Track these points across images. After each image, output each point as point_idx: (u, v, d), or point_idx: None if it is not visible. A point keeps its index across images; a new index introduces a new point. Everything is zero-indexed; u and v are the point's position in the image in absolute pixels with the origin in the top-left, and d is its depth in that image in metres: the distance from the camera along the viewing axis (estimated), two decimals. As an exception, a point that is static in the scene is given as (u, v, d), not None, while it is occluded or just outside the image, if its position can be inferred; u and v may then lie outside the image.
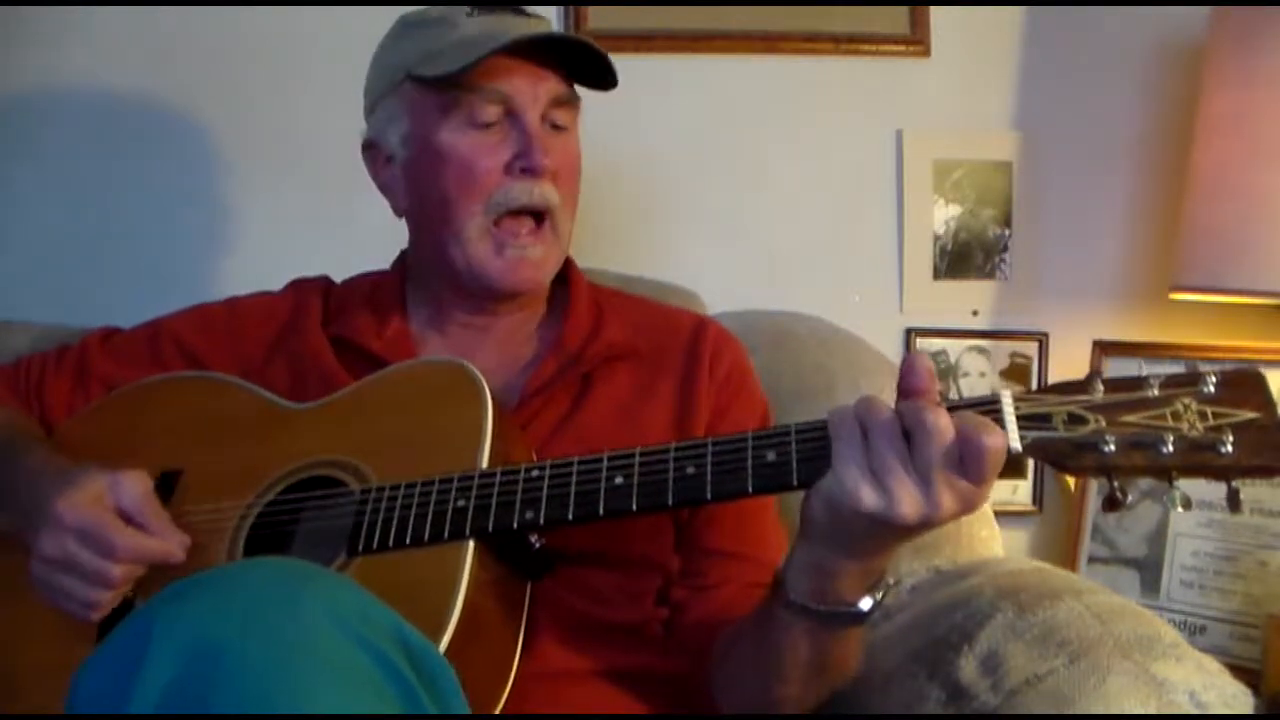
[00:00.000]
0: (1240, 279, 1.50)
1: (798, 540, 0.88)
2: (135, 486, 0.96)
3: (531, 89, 1.09)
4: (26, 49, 1.62)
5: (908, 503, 0.78)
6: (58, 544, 0.93)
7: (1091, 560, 1.66)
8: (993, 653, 1.02)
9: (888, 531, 0.81)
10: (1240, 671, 1.09)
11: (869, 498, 0.79)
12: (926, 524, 0.79)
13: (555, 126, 1.12)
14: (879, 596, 0.88)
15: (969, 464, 0.78)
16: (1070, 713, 0.92)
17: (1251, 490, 1.57)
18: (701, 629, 1.06)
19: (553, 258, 1.13)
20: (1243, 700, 0.94)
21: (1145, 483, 1.62)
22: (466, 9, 1.11)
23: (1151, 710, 0.90)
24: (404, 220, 1.19)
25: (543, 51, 1.09)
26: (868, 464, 0.79)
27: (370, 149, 1.18)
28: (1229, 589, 1.56)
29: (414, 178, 1.13)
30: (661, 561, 1.09)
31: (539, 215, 1.10)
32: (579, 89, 1.15)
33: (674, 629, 1.09)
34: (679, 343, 1.18)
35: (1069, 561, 1.66)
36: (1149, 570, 1.62)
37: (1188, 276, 1.58)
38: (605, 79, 1.12)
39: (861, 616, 0.89)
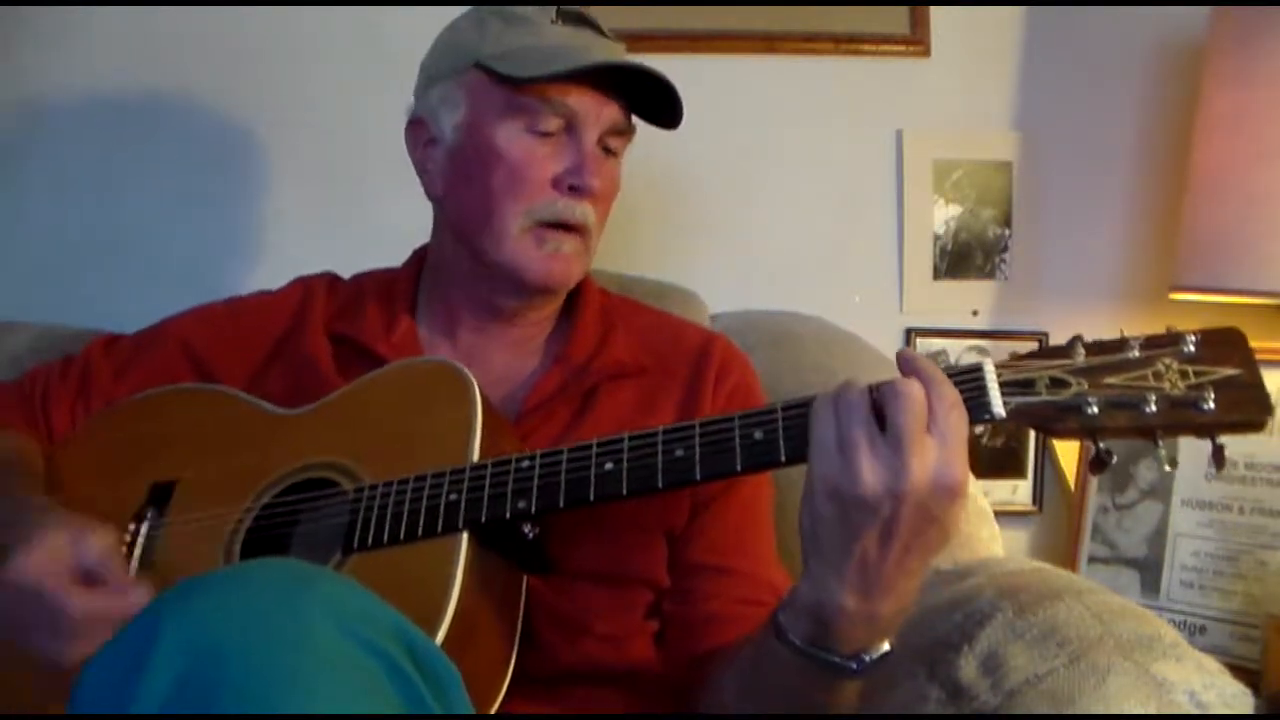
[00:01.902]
0: (1240, 279, 1.50)
1: (801, 576, 0.86)
2: (98, 543, 0.92)
3: (596, 111, 1.10)
4: (26, 49, 1.62)
5: (867, 470, 0.77)
6: (16, 611, 0.90)
7: (1091, 560, 1.66)
8: (993, 653, 1.02)
9: (861, 517, 0.79)
10: (1240, 671, 1.09)
11: (831, 467, 0.79)
12: (895, 495, 0.77)
13: (607, 150, 1.13)
14: (880, 652, 0.85)
15: (933, 424, 0.78)
16: (1070, 713, 0.92)
17: (1251, 490, 1.57)
18: (689, 643, 1.06)
19: (581, 264, 1.14)
20: (1243, 700, 0.94)
21: (1145, 481, 1.62)
22: (551, 14, 1.11)
23: (1151, 710, 0.90)
24: (432, 206, 1.19)
25: (613, 78, 1.10)
26: (835, 440, 0.79)
27: (416, 126, 1.17)
28: (1229, 589, 1.56)
29: (459, 167, 1.13)
30: (654, 577, 1.08)
31: (574, 229, 1.11)
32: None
33: (663, 641, 1.09)
34: (685, 358, 1.17)
35: (1069, 561, 1.66)
36: (1149, 570, 1.62)
37: (1188, 276, 1.58)
38: (668, 118, 1.13)
39: (849, 671, 0.85)
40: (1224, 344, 0.81)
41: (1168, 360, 0.81)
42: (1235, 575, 1.56)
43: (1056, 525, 1.74)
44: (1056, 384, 0.82)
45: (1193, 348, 0.81)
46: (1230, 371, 0.79)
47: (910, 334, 1.75)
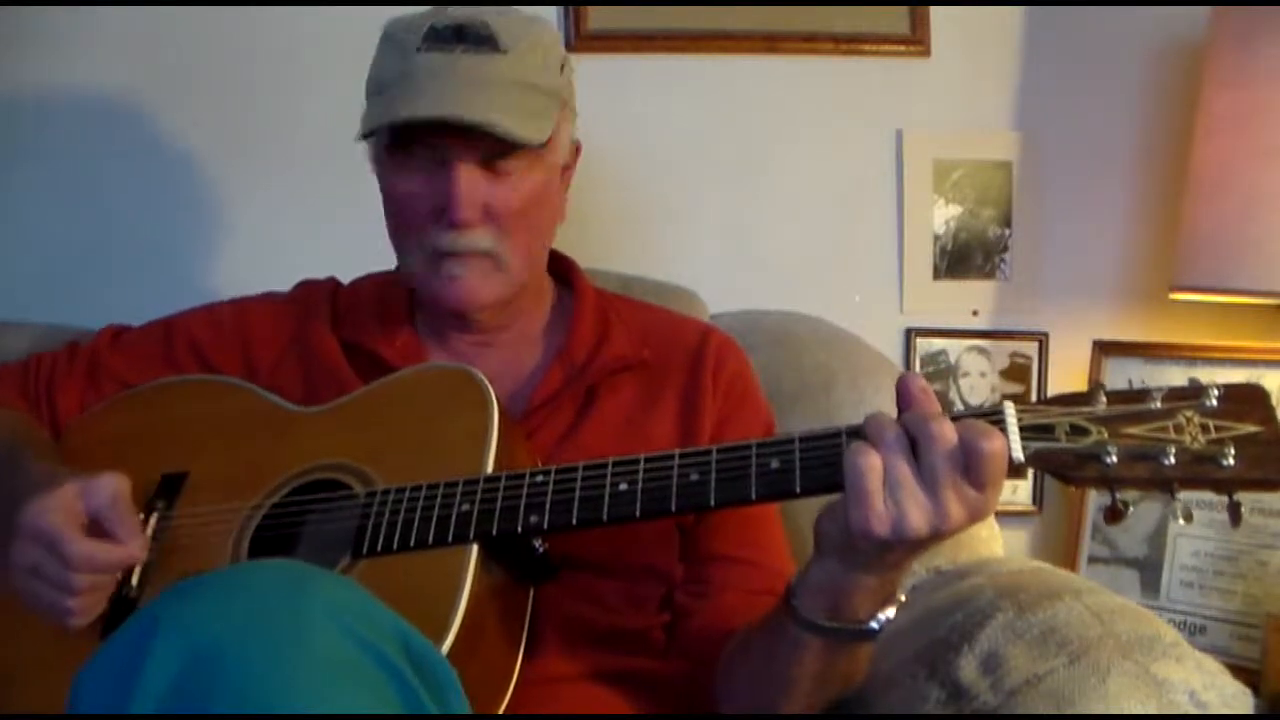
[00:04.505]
0: (1240, 279, 1.50)
1: (812, 558, 0.89)
2: (106, 490, 0.94)
3: (463, 141, 1.04)
4: (26, 49, 1.62)
5: (917, 516, 0.79)
6: (22, 553, 0.92)
7: (1091, 560, 1.66)
8: (993, 653, 1.02)
9: (900, 546, 0.81)
10: (1240, 671, 1.10)
11: (881, 525, 0.79)
12: (937, 535, 0.80)
13: (498, 173, 1.06)
14: (890, 614, 0.89)
15: (972, 470, 0.78)
16: (1070, 713, 0.92)
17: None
18: (703, 635, 1.06)
19: (491, 285, 1.09)
20: (1243, 700, 0.94)
21: (1145, 482, 1.62)
22: (419, 38, 1.06)
23: (1151, 710, 0.90)
24: None
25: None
26: (881, 486, 0.80)
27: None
28: (1229, 589, 1.56)
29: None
30: (666, 569, 1.09)
31: (467, 255, 1.08)
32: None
33: (676, 635, 1.09)
34: (683, 352, 1.17)
35: (1069, 561, 1.66)
36: (1149, 570, 1.62)
37: (1188, 276, 1.58)
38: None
39: (873, 634, 0.90)
40: (1247, 400, 0.80)
41: (1189, 413, 0.80)
42: (1235, 575, 1.56)
43: (1056, 525, 1.74)
44: (1076, 431, 0.81)
45: (1215, 402, 0.80)
46: (1252, 428, 0.79)
47: (910, 334, 1.75)
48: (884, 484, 0.80)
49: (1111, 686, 0.92)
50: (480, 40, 1.06)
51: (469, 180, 1.04)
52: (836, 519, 0.83)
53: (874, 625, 0.89)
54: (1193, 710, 0.91)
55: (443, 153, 1.05)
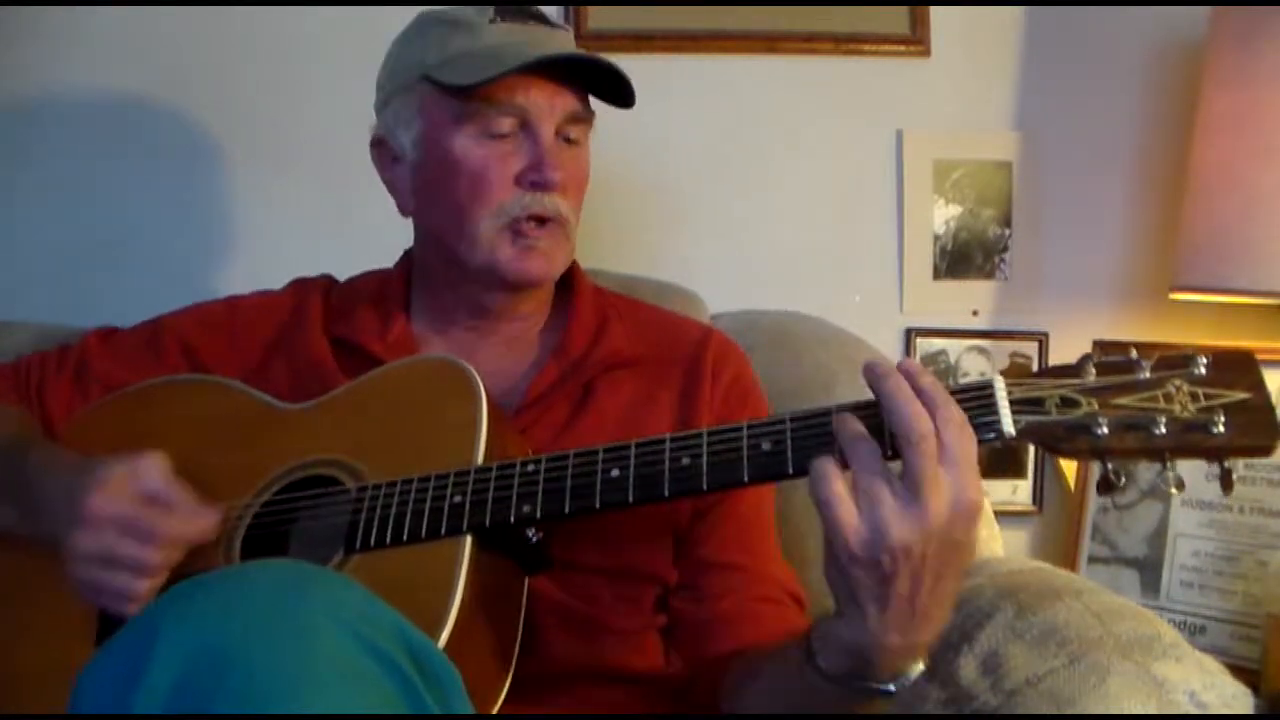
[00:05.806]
0: (1240, 279, 1.50)
1: (833, 613, 0.84)
2: (157, 469, 0.96)
3: (548, 103, 1.09)
4: (27, 49, 1.62)
5: (893, 523, 0.76)
6: (96, 539, 0.92)
7: (1091, 560, 1.66)
8: (993, 653, 1.02)
9: (891, 564, 0.77)
10: (1240, 671, 1.10)
11: (854, 533, 0.77)
12: (922, 537, 0.77)
13: (568, 140, 1.12)
14: (913, 675, 0.84)
15: (943, 454, 0.77)
16: (1070, 713, 0.92)
17: (1251, 490, 1.57)
18: (700, 641, 1.06)
19: (560, 255, 1.12)
20: (1243, 700, 0.94)
21: (1144, 482, 1.62)
22: (490, 14, 1.10)
23: (1151, 710, 0.90)
24: (409, 219, 1.19)
25: (563, 68, 1.09)
26: (853, 501, 0.77)
27: (379, 146, 1.17)
28: (1229, 589, 1.56)
29: (424, 181, 1.13)
30: (660, 573, 1.09)
31: (547, 220, 1.10)
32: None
33: (674, 640, 1.09)
34: (683, 352, 1.17)
35: (1069, 561, 1.66)
36: (1149, 570, 1.62)
37: (1188, 276, 1.58)
38: (624, 98, 1.12)
39: (888, 694, 0.85)
40: (1235, 367, 0.80)
41: (1178, 382, 0.80)
42: (1235, 575, 1.56)
43: (1056, 525, 1.74)
44: (1066, 403, 0.81)
45: (1203, 370, 0.80)
46: (1241, 395, 0.79)
47: (910, 334, 1.75)
48: (855, 499, 0.77)
49: (1111, 686, 0.92)
50: (541, 19, 1.13)
51: (554, 143, 1.09)
52: (828, 551, 0.80)
53: (891, 688, 0.84)
54: (1193, 710, 0.91)
55: (526, 115, 1.08)
